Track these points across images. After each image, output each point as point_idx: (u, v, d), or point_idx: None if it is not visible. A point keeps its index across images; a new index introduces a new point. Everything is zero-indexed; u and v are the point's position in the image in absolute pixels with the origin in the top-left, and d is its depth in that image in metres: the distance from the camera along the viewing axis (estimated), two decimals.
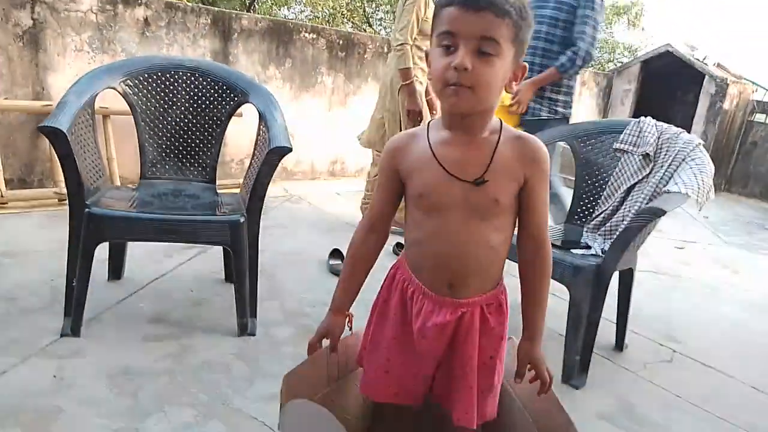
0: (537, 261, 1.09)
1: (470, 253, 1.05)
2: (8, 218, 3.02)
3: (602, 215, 2.29)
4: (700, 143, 2.16)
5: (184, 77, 2.33)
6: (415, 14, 3.05)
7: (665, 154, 2.19)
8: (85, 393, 1.66)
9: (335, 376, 1.23)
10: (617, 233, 1.99)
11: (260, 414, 1.65)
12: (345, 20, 10.59)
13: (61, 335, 1.92)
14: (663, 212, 1.82)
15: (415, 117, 3.17)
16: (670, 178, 2.09)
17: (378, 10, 12.31)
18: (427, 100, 3.27)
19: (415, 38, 3.12)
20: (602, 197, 2.35)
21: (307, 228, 3.43)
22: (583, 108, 6.92)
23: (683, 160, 2.11)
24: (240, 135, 3.78)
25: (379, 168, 1.13)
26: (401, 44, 3.09)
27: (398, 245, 3.13)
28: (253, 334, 2.08)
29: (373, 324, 1.18)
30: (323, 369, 1.19)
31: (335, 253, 2.90)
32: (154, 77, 2.30)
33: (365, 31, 11.16)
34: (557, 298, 2.68)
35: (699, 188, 1.94)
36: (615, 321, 2.33)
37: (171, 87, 2.32)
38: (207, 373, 1.83)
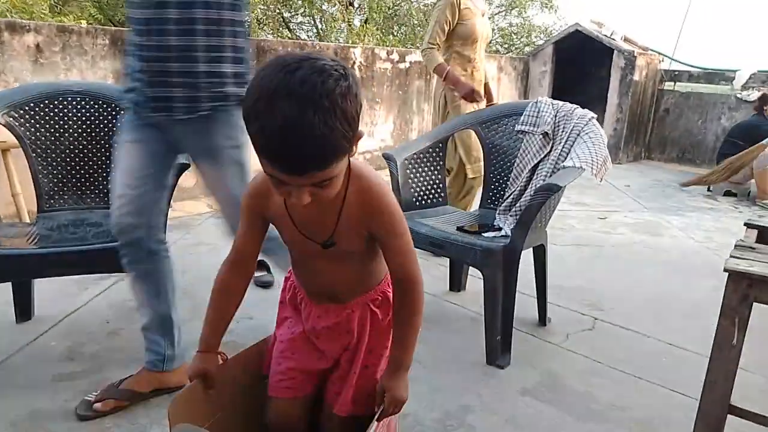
0: (402, 296, 1.07)
1: (340, 283, 1.11)
2: None
3: (511, 197, 2.34)
4: (593, 117, 2.24)
5: (73, 102, 2.23)
6: (439, 21, 3.04)
7: (562, 131, 2.26)
8: None
9: (226, 399, 1.19)
10: None
11: None
12: (262, 26, 10.46)
13: None
14: (558, 188, 1.88)
15: (472, 98, 3.05)
16: (567, 154, 2.16)
17: (297, 14, 12.22)
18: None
19: (453, 44, 3.12)
20: (510, 179, 2.41)
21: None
22: (504, 93, 7.09)
23: (578, 134, 2.18)
24: None
25: (242, 208, 1.09)
26: (425, 48, 3.08)
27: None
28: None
29: (277, 325, 1.23)
30: (213, 394, 1.15)
31: (260, 265, 2.85)
32: (41, 105, 2.19)
33: (283, 36, 11.07)
34: (476, 279, 2.74)
35: (593, 160, 2.01)
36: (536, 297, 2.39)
37: (60, 114, 2.21)
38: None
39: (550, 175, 2.17)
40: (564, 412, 1.80)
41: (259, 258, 2.96)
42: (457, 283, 2.68)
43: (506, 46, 12.14)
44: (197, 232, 3.50)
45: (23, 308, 2.27)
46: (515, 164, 2.40)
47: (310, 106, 0.77)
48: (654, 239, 3.82)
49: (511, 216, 2.29)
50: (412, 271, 1.05)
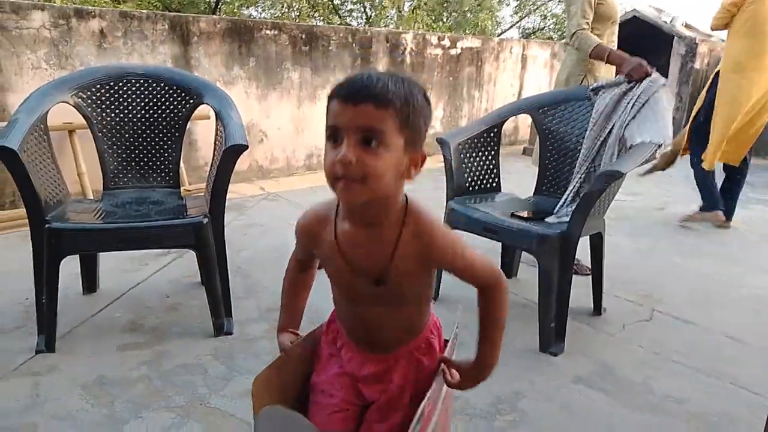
0: (486, 300, 1.05)
1: (384, 330, 1.07)
2: None
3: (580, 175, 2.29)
4: (664, 83, 2.17)
5: (137, 84, 2.31)
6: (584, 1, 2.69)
7: (630, 95, 2.20)
8: (61, 407, 1.65)
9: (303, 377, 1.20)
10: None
11: (238, 411, 1.66)
12: (312, 13, 10.51)
13: (36, 352, 1.92)
14: (620, 174, 1.82)
15: (642, 72, 2.29)
16: (632, 119, 2.12)
17: (347, 1, 12.24)
18: None
19: (592, 27, 2.73)
20: (578, 162, 2.34)
21: (285, 224, 3.42)
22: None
23: (646, 102, 2.13)
24: (212, 138, 3.76)
25: (295, 236, 1.12)
26: (576, 31, 2.69)
27: None
28: (230, 333, 2.08)
29: (320, 358, 1.19)
30: (293, 372, 1.17)
31: None
32: (106, 87, 2.28)
33: (332, 22, 11.10)
34: (529, 267, 2.71)
35: (660, 133, 1.97)
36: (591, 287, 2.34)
37: (124, 96, 2.30)
38: (183, 375, 1.83)
39: (618, 154, 2.12)
40: (618, 402, 1.76)
41: None
42: (508, 269, 2.65)
43: (560, 32, 11.83)
44: (251, 214, 3.58)
45: (89, 281, 2.38)
46: (584, 142, 2.33)
47: (388, 74, 0.92)
48: (714, 231, 3.68)
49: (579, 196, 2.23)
50: (487, 275, 1.03)
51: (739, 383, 1.88)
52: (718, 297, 2.61)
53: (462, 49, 5.81)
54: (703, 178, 3.80)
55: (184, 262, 2.71)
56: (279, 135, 4.52)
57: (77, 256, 2.30)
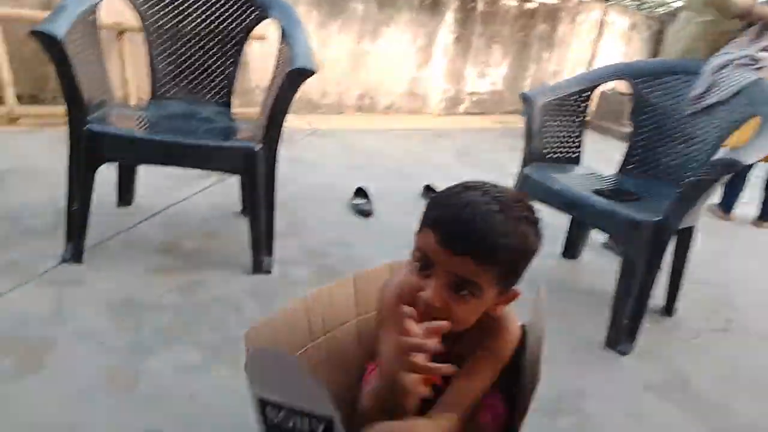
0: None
1: None
2: (18, 135, 2.87)
3: None
4: None
5: None
6: None
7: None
8: (83, 324, 1.51)
9: (318, 331, 1.04)
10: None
11: None
12: None
13: (62, 261, 1.78)
14: (739, 165, 1.55)
15: None
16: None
17: None
18: None
19: None
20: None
21: (332, 164, 3.22)
22: (632, 55, 6.46)
23: None
24: (265, 59, 3.51)
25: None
26: None
27: (427, 188, 2.92)
28: (269, 272, 1.91)
29: None
30: (302, 321, 1.00)
31: (359, 192, 2.69)
32: None
33: None
34: (592, 249, 2.49)
35: None
36: (665, 282, 2.10)
37: None
38: (217, 311, 1.67)
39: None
40: (697, 420, 1.55)
41: (359, 185, 2.79)
42: (572, 250, 2.42)
43: (639, 2, 11.06)
44: (298, 147, 3.38)
45: (125, 193, 2.23)
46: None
47: (497, 203, 0.78)
48: None
49: None
50: (460, 411, 0.84)
51: None
52: None
53: (539, 3, 5.39)
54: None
55: (227, 187, 2.53)
56: (334, 69, 4.26)
57: (114, 163, 2.13)
